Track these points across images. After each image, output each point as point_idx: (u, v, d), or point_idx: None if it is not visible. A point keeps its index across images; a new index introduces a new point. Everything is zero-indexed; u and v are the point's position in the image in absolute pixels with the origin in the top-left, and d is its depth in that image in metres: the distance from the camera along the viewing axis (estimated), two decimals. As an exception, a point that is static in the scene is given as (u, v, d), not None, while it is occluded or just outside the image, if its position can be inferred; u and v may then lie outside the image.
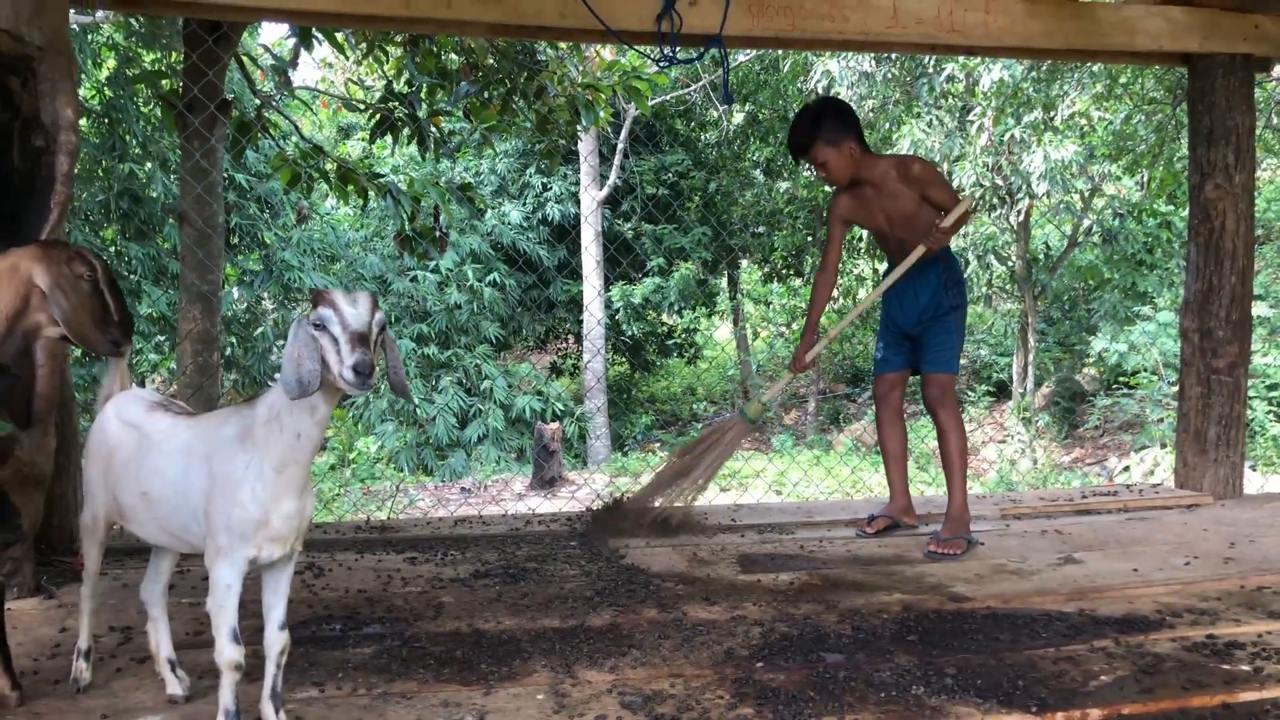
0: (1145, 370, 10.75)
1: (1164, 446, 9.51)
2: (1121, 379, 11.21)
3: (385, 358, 1.81)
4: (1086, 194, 11.81)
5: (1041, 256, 13.21)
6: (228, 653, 1.80)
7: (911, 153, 10.59)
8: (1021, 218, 11.61)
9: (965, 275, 11.78)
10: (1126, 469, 9.95)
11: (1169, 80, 9.60)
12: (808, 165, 3.76)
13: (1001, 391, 13.45)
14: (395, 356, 1.85)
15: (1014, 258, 12.30)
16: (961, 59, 10.23)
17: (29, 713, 2.03)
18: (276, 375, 1.90)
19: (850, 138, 3.44)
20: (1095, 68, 9.93)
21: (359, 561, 3.20)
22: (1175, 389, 4.66)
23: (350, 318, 1.68)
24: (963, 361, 14.57)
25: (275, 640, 1.87)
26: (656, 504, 3.73)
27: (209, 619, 1.83)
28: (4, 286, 2.02)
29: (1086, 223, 12.24)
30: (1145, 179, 11.77)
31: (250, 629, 2.01)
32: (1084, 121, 10.62)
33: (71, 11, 3.30)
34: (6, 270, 2.02)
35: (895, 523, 3.70)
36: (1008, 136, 10.52)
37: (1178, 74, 8.50)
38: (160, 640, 2.11)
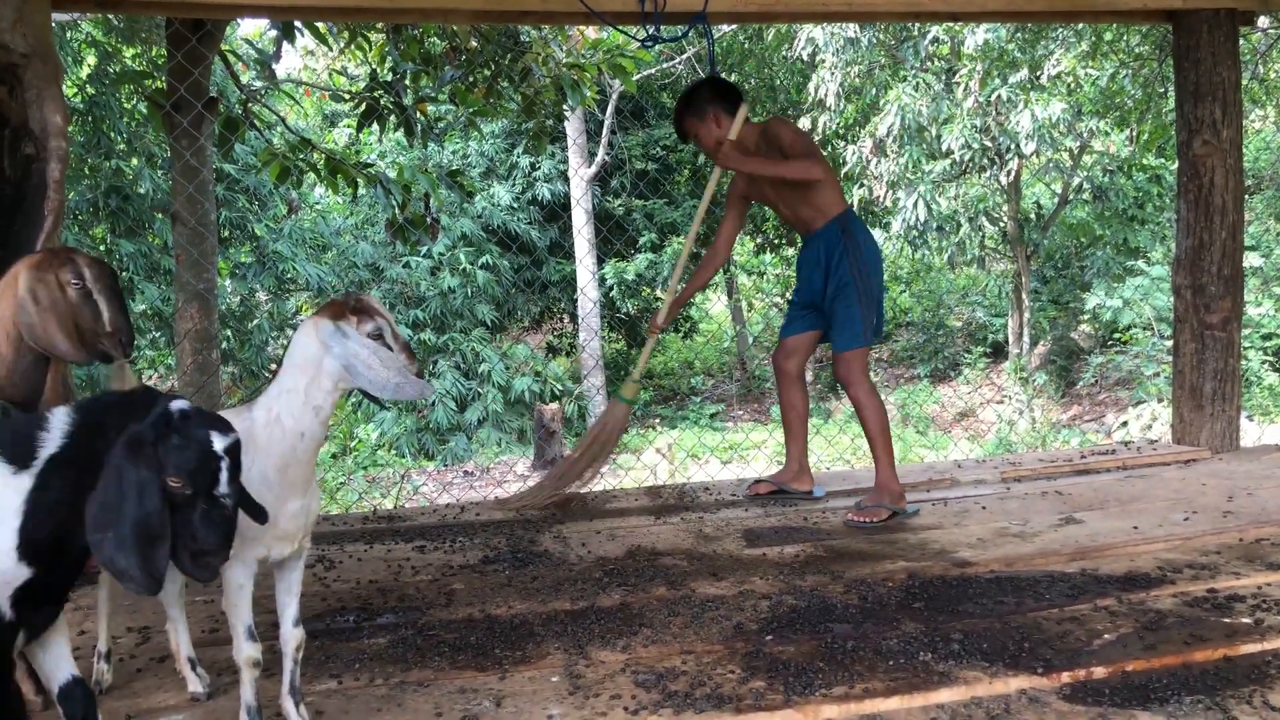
0: (1139, 326, 10.79)
1: (1161, 400, 9.57)
2: (1116, 335, 11.27)
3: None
4: (1075, 151, 11.81)
5: (1033, 216, 13.23)
6: (246, 650, 1.83)
7: (895, 116, 10.57)
8: (1011, 178, 11.62)
9: (960, 238, 11.87)
10: (1124, 424, 10.02)
11: (1154, 36, 9.57)
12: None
13: (997, 352, 13.50)
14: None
15: (1005, 218, 12.31)
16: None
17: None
18: (270, 375, 2.00)
19: (718, 107, 3.42)
20: (1080, 26, 9.90)
21: (369, 552, 3.23)
22: (1170, 343, 4.69)
23: (396, 328, 1.81)
24: (957, 324, 14.64)
25: (290, 637, 1.90)
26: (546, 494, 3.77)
27: (225, 617, 1.87)
28: (6, 301, 2.05)
29: (1077, 180, 12.24)
30: (1134, 133, 11.77)
31: (265, 624, 2.04)
32: (1070, 79, 10.60)
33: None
34: (8, 284, 2.05)
35: (782, 488, 3.73)
36: (994, 97, 10.51)
37: (1163, 29, 8.48)
38: (180, 639, 2.15)
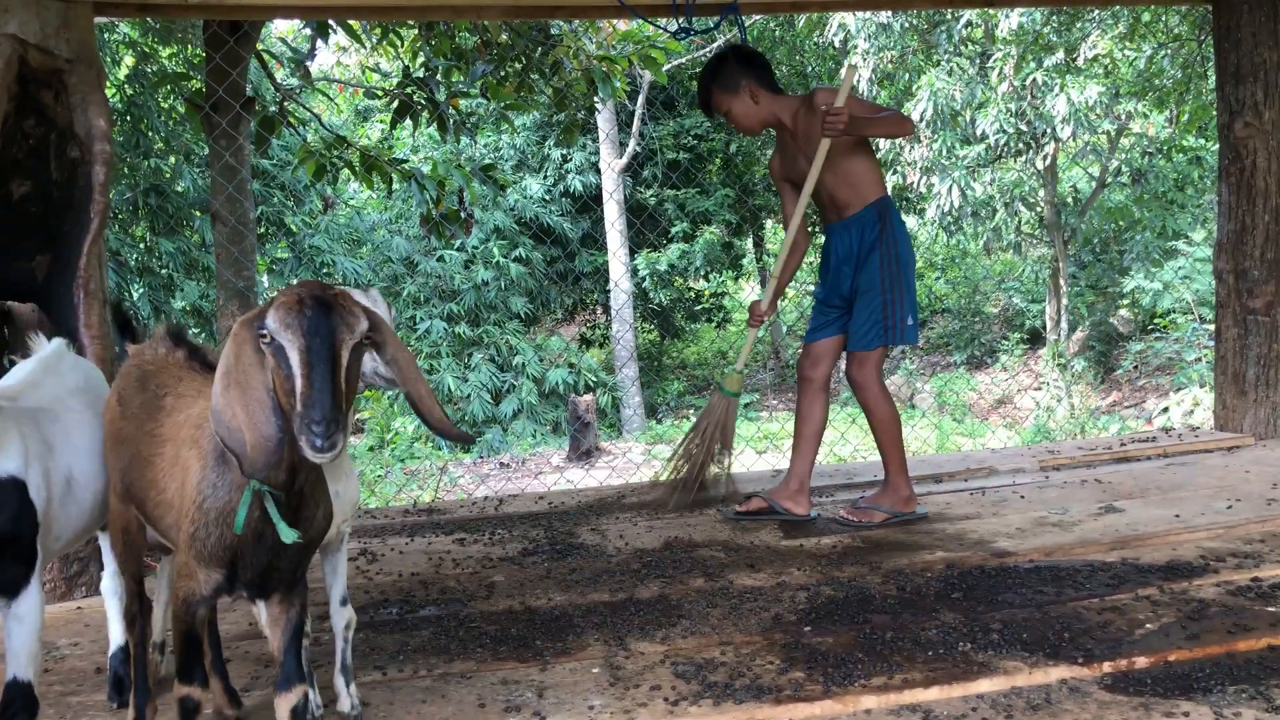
0: (1178, 311, 10.63)
1: (1203, 386, 9.43)
2: (1156, 321, 11.11)
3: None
4: (1113, 134, 11.64)
5: (1070, 200, 13.05)
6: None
7: (929, 102, 10.47)
8: (1047, 162, 11.47)
9: (996, 223, 11.75)
10: (1165, 411, 9.88)
11: (1194, 16, 9.40)
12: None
13: (1035, 339, 13.36)
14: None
15: (1041, 203, 12.17)
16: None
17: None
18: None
19: (749, 79, 3.23)
20: (1117, 7, 9.75)
21: (410, 545, 3.28)
22: (1211, 328, 4.63)
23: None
24: (994, 310, 14.48)
25: (339, 615, 1.94)
26: (690, 478, 3.56)
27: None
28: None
29: (1114, 163, 12.07)
30: (1174, 114, 11.58)
31: (316, 614, 2.09)
32: (1107, 61, 10.44)
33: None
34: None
35: (773, 507, 3.37)
36: (1029, 81, 10.38)
37: (1203, 9, 8.34)
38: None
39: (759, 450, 9.54)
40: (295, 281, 1.69)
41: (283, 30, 10.90)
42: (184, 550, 1.59)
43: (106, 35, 9.24)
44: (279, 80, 5.76)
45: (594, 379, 13.36)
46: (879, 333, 3.22)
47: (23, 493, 1.67)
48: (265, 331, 1.41)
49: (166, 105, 9.89)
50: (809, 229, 3.59)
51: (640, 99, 13.61)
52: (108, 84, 9.45)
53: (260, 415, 1.42)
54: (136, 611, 1.95)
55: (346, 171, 5.41)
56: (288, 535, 1.52)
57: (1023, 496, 3.49)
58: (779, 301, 3.48)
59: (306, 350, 1.38)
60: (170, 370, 1.81)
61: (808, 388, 3.40)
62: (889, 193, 3.34)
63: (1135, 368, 11.68)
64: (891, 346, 3.33)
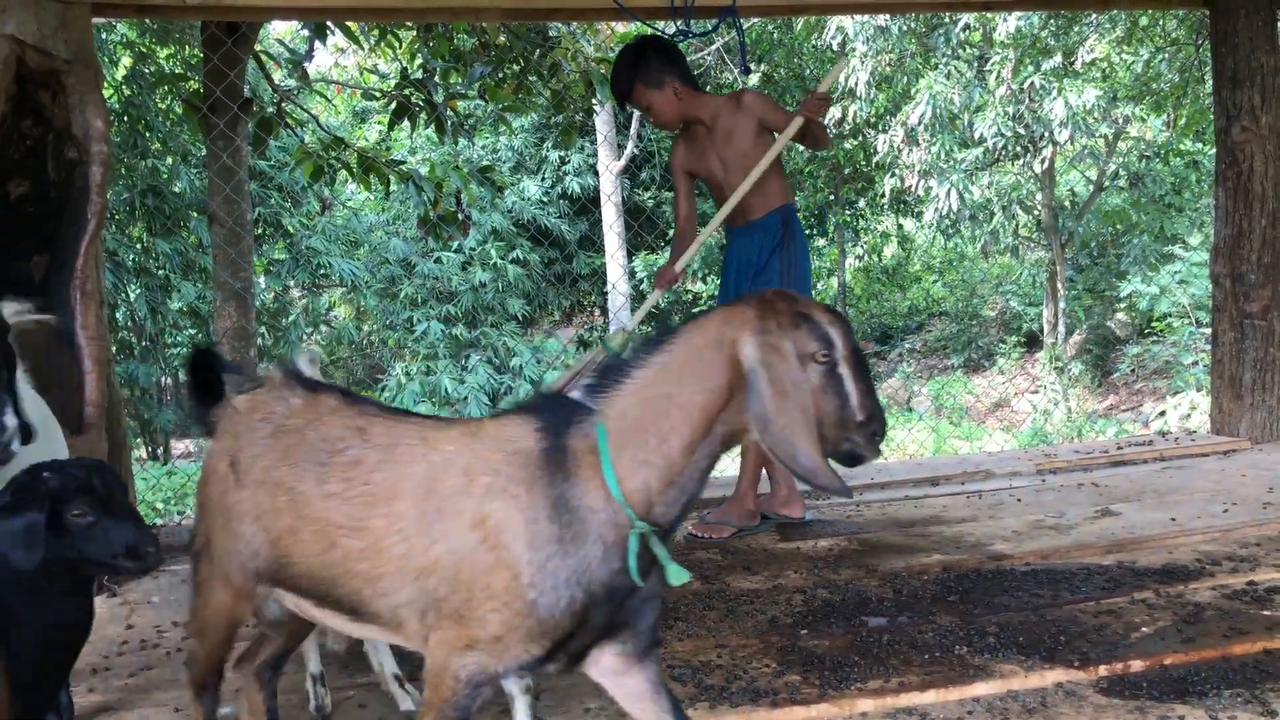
0: (1174, 315, 10.65)
1: (1199, 390, 9.44)
2: (1154, 324, 11.13)
3: None
4: (1110, 138, 11.65)
5: (1068, 203, 13.07)
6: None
7: (926, 105, 10.48)
8: (1045, 165, 11.49)
9: (994, 226, 11.76)
10: (1162, 414, 9.89)
11: (1191, 20, 9.42)
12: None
13: (1032, 342, 13.37)
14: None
15: (1039, 206, 12.18)
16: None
17: (103, 706, 2.11)
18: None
19: (673, 76, 3.23)
20: (1114, 11, 9.76)
21: (406, 546, 3.27)
22: (1208, 332, 4.64)
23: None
24: (991, 313, 14.48)
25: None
26: None
27: None
28: (701, 368, 1.43)
29: (1112, 167, 12.08)
30: (1171, 118, 11.59)
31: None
32: (1105, 65, 10.45)
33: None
34: (709, 344, 1.43)
35: (739, 528, 3.29)
36: (1027, 84, 10.39)
37: (1200, 13, 8.35)
38: (382, 659, 2.10)
39: (756, 453, 9.53)
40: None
41: (280, 31, 10.88)
42: (499, 624, 1.38)
43: (104, 36, 9.23)
44: (277, 81, 5.76)
45: (591, 381, 13.33)
46: None
47: None
48: (829, 355, 1.40)
49: (164, 106, 9.88)
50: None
51: (639, 101, 13.61)
52: (105, 85, 9.44)
53: (815, 435, 1.39)
54: (211, 683, 1.76)
55: (344, 173, 5.41)
56: (680, 576, 1.41)
57: (1019, 500, 3.49)
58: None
59: (861, 369, 1.43)
60: (329, 421, 1.55)
61: None
62: (793, 201, 3.33)
63: (1132, 371, 11.68)
64: None
